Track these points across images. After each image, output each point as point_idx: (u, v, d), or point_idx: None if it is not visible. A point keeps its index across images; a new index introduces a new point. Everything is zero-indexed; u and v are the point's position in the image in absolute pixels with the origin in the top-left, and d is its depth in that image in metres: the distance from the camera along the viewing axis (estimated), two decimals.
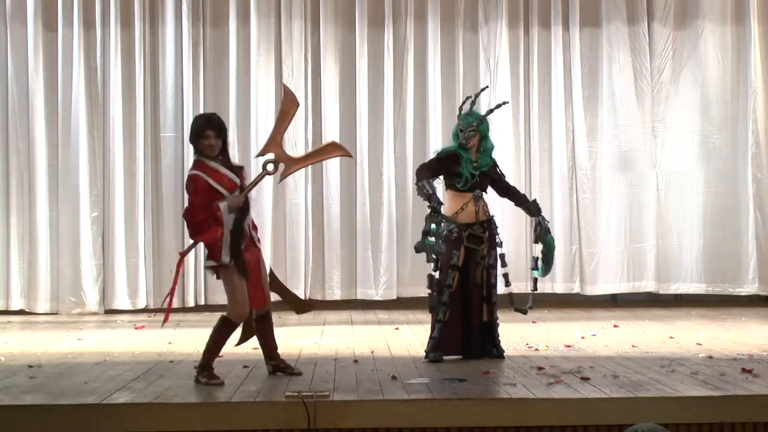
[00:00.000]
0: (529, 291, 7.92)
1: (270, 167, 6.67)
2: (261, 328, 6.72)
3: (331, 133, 11.86)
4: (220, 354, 6.62)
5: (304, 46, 11.92)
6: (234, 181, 6.48)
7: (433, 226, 7.34)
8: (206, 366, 6.46)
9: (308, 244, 11.81)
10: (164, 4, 11.78)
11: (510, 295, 7.71)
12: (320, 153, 7.48)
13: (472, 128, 7.54)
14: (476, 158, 7.57)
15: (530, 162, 12.03)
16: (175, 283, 6.67)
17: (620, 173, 12.05)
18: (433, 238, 7.33)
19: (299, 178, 11.78)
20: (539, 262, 7.72)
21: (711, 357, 7.43)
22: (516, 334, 8.70)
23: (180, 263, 6.66)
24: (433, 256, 7.36)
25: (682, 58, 12.11)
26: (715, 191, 12.03)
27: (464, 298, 7.47)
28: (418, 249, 7.39)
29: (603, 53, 12.08)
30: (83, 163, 11.65)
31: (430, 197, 7.39)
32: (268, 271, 6.77)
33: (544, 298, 11.83)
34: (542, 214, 7.76)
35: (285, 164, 6.78)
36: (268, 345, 6.74)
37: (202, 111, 11.65)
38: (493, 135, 7.84)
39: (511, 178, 11.79)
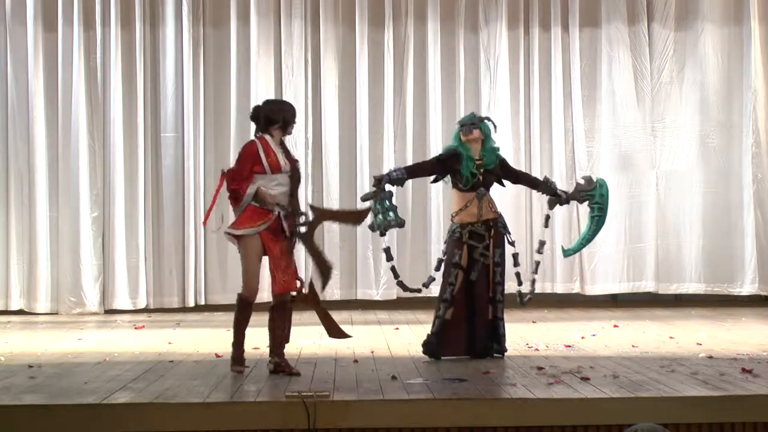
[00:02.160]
0: (531, 277, 7.91)
1: (302, 219, 6.86)
2: (273, 317, 6.79)
3: (331, 133, 11.87)
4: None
5: (304, 46, 11.92)
6: (279, 163, 6.76)
7: (378, 204, 7.38)
8: (235, 358, 6.76)
9: None
10: (164, 4, 11.79)
11: (519, 293, 7.78)
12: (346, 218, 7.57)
13: (473, 122, 7.60)
14: (480, 156, 7.57)
15: (530, 162, 12.03)
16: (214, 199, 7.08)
17: (620, 173, 12.05)
18: (379, 216, 7.37)
19: None
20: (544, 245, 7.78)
21: (711, 357, 7.43)
22: (516, 334, 8.70)
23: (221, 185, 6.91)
24: (380, 231, 7.42)
25: (682, 58, 12.11)
26: (715, 191, 12.03)
27: (469, 298, 7.49)
28: (370, 227, 7.51)
29: (603, 53, 12.08)
30: (83, 163, 11.65)
31: (381, 177, 7.50)
32: (307, 282, 6.90)
33: (545, 298, 11.85)
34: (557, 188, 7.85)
35: (316, 216, 6.97)
36: (275, 338, 6.78)
37: (202, 111, 11.72)
38: (494, 136, 7.83)
39: None
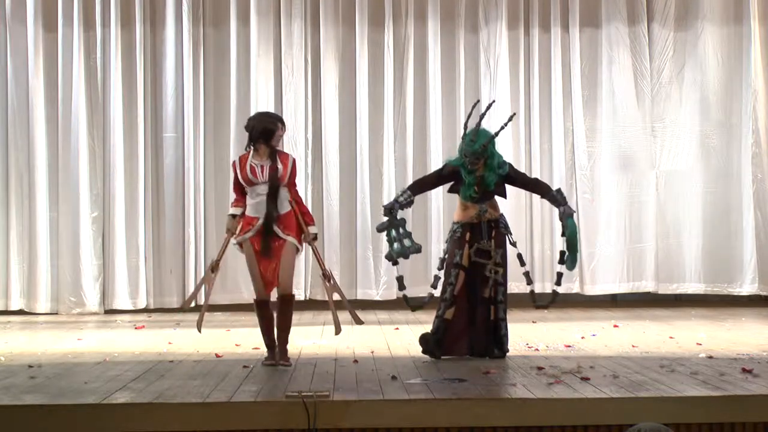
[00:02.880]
0: (553, 287, 7.91)
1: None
2: (277, 314, 7.26)
3: (331, 133, 11.87)
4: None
5: (304, 46, 11.92)
6: (248, 176, 7.17)
7: (393, 233, 7.48)
8: (267, 348, 7.26)
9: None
10: (164, 4, 11.79)
11: (532, 292, 7.77)
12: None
13: (477, 156, 7.44)
14: (480, 175, 7.49)
15: (530, 162, 12.03)
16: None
17: (620, 173, 12.05)
18: (396, 245, 7.48)
19: (299, 178, 11.73)
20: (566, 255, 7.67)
21: (711, 357, 7.43)
22: (516, 334, 8.69)
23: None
24: (395, 259, 7.51)
25: (682, 58, 12.10)
26: (715, 191, 12.02)
27: (471, 299, 7.49)
28: (387, 257, 7.60)
29: (603, 54, 12.08)
30: (83, 163, 11.65)
31: (391, 206, 7.58)
32: (327, 271, 7.47)
33: (545, 298, 11.83)
34: (565, 203, 7.68)
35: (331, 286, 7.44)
36: (279, 333, 7.25)
37: (202, 111, 11.72)
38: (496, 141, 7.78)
39: None
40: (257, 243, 7.17)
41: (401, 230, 7.51)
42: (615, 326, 9.78)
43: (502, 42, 12.01)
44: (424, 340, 7.57)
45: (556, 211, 12.03)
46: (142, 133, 11.71)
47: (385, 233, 7.56)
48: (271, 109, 11.79)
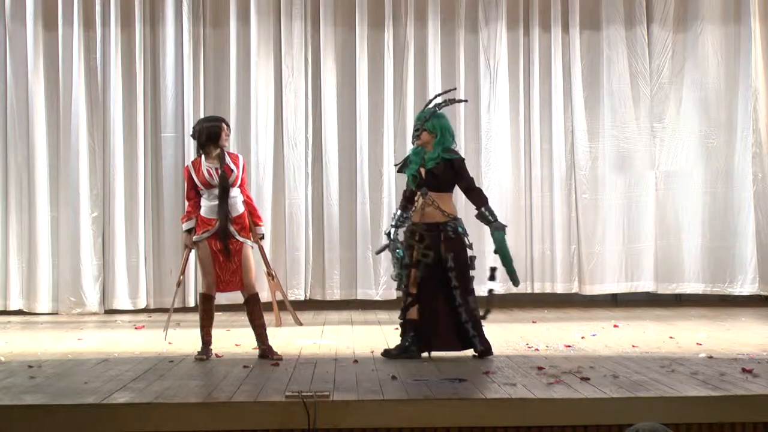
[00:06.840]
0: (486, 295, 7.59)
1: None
2: (248, 312, 7.69)
3: (331, 133, 11.87)
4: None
5: (304, 46, 11.92)
6: (206, 179, 7.51)
7: (399, 252, 7.56)
8: (203, 342, 7.63)
9: (308, 244, 11.81)
10: (164, 4, 11.79)
11: (487, 296, 7.58)
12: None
13: (416, 127, 7.60)
14: (428, 156, 7.52)
15: (530, 162, 12.03)
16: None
17: (619, 174, 12.05)
18: (399, 250, 7.57)
19: (299, 178, 11.79)
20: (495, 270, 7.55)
21: (711, 357, 7.43)
22: (516, 334, 8.70)
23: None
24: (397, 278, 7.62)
25: (682, 58, 12.10)
26: (715, 191, 12.02)
27: (429, 297, 7.46)
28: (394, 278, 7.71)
29: (602, 55, 12.08)
30: (83, 163, 11.65)
31: (388, 230, 7.75)
32: (272, 270, 8.14)
33: (544, 298, 11.87)
34: (494, 220, 7.46)
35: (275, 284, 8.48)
36: (255, 329, 7.65)
37: (202, 111, 11.69)
38: (456, 131, 7.76)
39: (510, 179, 11.91)
40: (213, 243, 7.54)
41: (399, 252, 7.55)
42: (615, 326, 9.78)
43: (502, 42, 12.01)
44: (387, 354, 7.50)
45: (556, 211, 12.15)
46: (142, 133, 11.72)
47: (391, 254, 7.63)
48: (272, 109, 11.82)
